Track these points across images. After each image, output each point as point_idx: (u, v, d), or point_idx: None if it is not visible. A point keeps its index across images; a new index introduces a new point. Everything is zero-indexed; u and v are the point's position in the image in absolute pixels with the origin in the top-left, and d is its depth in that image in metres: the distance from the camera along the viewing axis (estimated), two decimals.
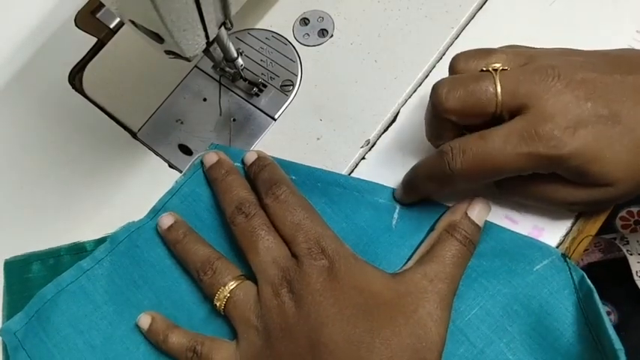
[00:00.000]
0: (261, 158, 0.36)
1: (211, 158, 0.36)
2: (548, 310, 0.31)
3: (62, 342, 0.35)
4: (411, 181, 0.33)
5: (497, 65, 0.30)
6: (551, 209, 0.33)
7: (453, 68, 0.31)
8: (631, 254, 0.60)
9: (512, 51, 0.31)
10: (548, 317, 0.31)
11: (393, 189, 0.35)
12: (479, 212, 0.32)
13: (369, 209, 0.34)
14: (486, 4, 0.39)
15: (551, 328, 0.30)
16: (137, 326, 0.34)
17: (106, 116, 0.41)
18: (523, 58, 0.30)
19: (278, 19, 0.41)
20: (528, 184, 0.31)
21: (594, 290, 0.30)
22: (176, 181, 0.37)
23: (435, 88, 0.30)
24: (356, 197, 0.35)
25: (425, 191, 0.33)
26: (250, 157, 0.36)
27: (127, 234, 0.36)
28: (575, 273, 0.31)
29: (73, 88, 0.42)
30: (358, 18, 0.40)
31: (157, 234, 0.36)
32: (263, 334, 0.30)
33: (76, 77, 0.43)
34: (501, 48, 0.31)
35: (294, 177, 0.36)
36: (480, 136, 0.29)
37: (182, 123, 0.40)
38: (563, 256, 0.31)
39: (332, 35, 0.40)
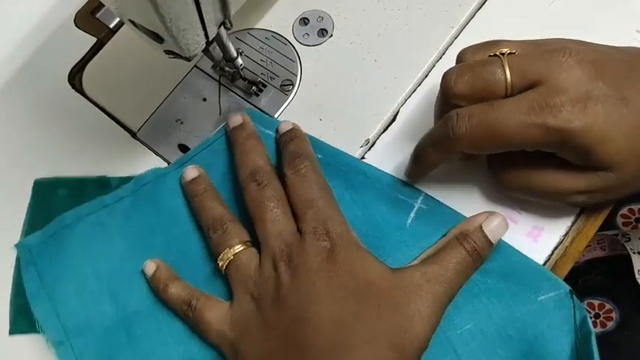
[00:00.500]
0: (294, 130, 0.36)
1: (236, 120, 0.37)
2: (543, 342, 0.30)
3: (71, 266, 0.36)
4: (416, 151, 0.33)
5: (505, 50, 0.30)
6: (550, 209, 0.33)
7: (460, 60, 0.31)
8: (634, 252, 0.60)
9: (520, 40, 0.31)
10: (541, 349, 0.30)
11: (416, 188, 0.35)
12: (495, 228, 0.31)
13: (387, 203, 0.34)
14: (486, 3, 0.39)
15: None
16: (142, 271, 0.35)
17: (106, 116, 0.41)
18: (531, 45, 0.30)
19: (278, 19, 0.41)
20: (529, 173, 0.31)
21: (593, 333, 0.29)
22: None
23: (445, 75, 0.30)
24: (377, 189, 0.35)
25: (429, 160, 0.32)
26: (284, 127, 0.36)
27: (152, 178, 0.37)
28: (578, 311, 0.30)
29: (72, 88, 0.42)
30: (358, 18, 0.40)
31: (180, 184, 0.37)
32: (256, 301, 0.31)
33: (75, 77, 0.43)
34: (509, 40, 0.31)
35: (320, 156, 0.36)
36: (488, 103, 0.29)
37: (182, 123, 0.40)
38: (571, 292, 0.31)
39: (332, 35, 0.40)
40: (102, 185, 0.38)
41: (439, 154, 0.31)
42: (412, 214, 0.34)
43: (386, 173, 0.35)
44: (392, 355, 0.28)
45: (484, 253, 0.31)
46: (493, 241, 0.31)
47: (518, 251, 0.32)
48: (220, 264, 0.33)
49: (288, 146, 0.35)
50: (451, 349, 0.31)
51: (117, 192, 0.37)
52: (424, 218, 0.34)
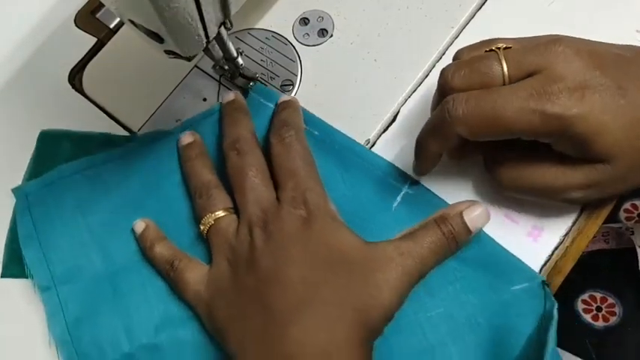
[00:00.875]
0: (289, 101, 0.37)
1: (229, 97, 0.38)
2: (509, 330, 0.31)
3: (65, 216, 0.37)
4: (416, 141, 0.33)
5: (501, 45, 0.30)
6: (551, 209, 0.33)
7: (457, 59, 0.32)
8: (638, 246, 0.59)
9: (515, 38, 0.31)
10: (507, 337, 0.31)
11: (405, 172, 0.35)
12: (475, 217, 0.32)
13: (375, 185, 0.35)
14: (486, 3, 0.39)
15: (506, 348, 0.31)
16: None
17: (106, 116, 0.41)
18: (526, 39, 0.30)
19: (278, 19, 0.41)
20: (526, 171, 0.30)
21: (554, 319, 0.30)
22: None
23: (442, 71, 0.30)
24: (367, 170, 0.35)
25: (429, 150, 0.32)
26: (281, 99, 0.37)
27: (153, 136, 0.38)
28: (548, 302, 0.31)
29: (73, 88, 0.42)
30: (358, 18, 0.40)
31: (174, 146, 0.37)
32: (231, 264, 0.32)
33: (76, 77, 0.43)
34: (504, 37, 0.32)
35: (316, 132, 0.36)
36: (486, 89, 0.29)
37: (182, 123, 0.40)
38: (544, 283, 0.31)
39: (332, 35, 0.40)
40: (106, 142, 0.39)
41: (438, 141, 0.31)
42: (398, 198, 0.34)
43: (378, 156, 0.36)
44: (355, 316, 0.29)
45: (460, 239, 0.31)
46: (472, 229, 0.32)
47: (496, 242, 0.33)
48: (202, 228, 0.34)
49: (278, 115, 0.36)
50: (420, 331, 0.32)
51: (117, 150, 0.38)
52: (410, 203, 0.34)
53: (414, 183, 0.35)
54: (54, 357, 0.35)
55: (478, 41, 0.32)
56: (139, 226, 0.36)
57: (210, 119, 0.38)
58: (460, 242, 0.32)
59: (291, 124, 0.35)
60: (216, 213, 0.34)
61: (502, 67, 0.29)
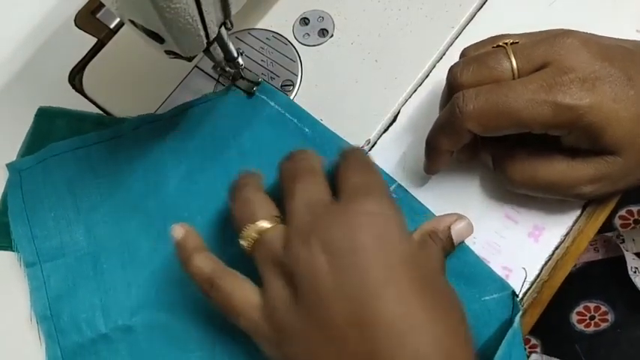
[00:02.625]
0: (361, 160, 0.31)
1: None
2: (476, 339, 0.31)
3: (54, 194, 0.38)
4: (427, 140, 0.32)
5: (508, 40, 0.30)
6: (551, 208, 0.33)
7: (464, 56, 0.32)
8: (627, 250, 0.60)
9: (522, 33, 0.31)
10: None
11: (389, 176, 0.35)
12: (460, 229, 0.32)
13: None
14: (486, 3, 0.39)
15: None
16: (172, 234, 0.31)
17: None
18: (533, 34, 0.30)
19: (278, 19, 0.41)
20: (535, 166, 0.30)
21: (515, 324, 0.30)
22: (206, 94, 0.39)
23: (451, 68, 0.30)
24: None
25: (439, 147, 0.31)
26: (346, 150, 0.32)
27: (144, 118, 0.38)
28: (515, 310, 0.31)
29: (73, 88, 0.42)
30: (358, 18, 0.40)
31: (166, 130, 0.38)
32: (291, 289, 0.26)
33: (76, 77, 0.43)
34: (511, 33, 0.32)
35: (307, 130, 0.36)
36: (496, 84, 0.28)
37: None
38: (513, 293, 0.32)
39: (332, 35, 0.40)
40: (99, 123, 0.40)
41: (448, 138, 0.31)
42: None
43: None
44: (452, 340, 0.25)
45: (446, 252, 0.31)
46: (456, 242, 0.31)
47: (473, 252, 0.33)
48: (244, 245, 0.28)
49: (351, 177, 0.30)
50: None
51: (109, 131, 0.39)
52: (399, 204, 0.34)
53: (399, 187, 0.35)
54: (35, 331, 0.36)
55: (484, 38, 0.32)
56: (178, 232, 0.30)
57: (206, 106, 0.38)
58: (446, 255, 0.31)
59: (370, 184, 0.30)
60: (259, 224, 0.28)
61: (511, 61, 0.29)
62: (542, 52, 0.28)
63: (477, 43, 0.32)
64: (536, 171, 0.30)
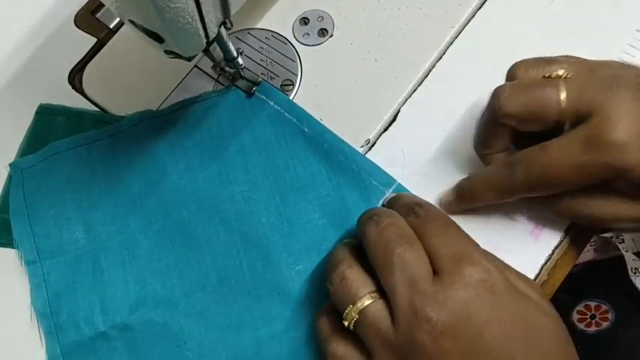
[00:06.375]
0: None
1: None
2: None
3: (54, 192, 0.38)
4: (470, 189, 0.33)
5: (561, 72, 0.29)
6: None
7: (512, 76, 0.31)
8: (626, 251, 0.60)
9: (574, 60, 0.30)
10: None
11: (390, 176, 0.35)
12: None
13: (360, 186, 0.35)
14: (486, 3, 0.39)
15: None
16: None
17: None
18: (585, 67, 0.30)
19: (278, 19, 0.41)
20: (578, 202, 0.30)
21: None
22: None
23: (497, 93, 0.30)
24: (353, 171, 0.35)
25: (483, 200, 0.32)
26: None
27: (143, 115, 0.39)
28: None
29: (73, 88, 0.42)
30: (358, 17, 0.40)
31: (165, 127, 0.38)
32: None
33: (76, 77, 0.43)
34: (561, 57, 0.31)
35: (305, 129, 0.37)
36: (541, 147, 0.28)
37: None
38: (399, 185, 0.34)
39: (332, 35, 0.40)
40: (99, 120, 0.40)
41: (495, 196, 0.31)
42: (381, 201, 0.35)
43: (366, 158, 0.36)
44: None
45: None
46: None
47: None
48: (346, 324, 0.28)
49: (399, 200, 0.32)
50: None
51: (108, 128, 0.39)
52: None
53: (398, 187, 0.35)
54: (35, 329, 0.36)
55: (535, 57, 0.31)
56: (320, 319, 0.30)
57: (205, 103, 0.39)
58: None
59: (419, 201, 0.30)
60: (359, 304, 0.27)
61: (559, 99, 0.28)
62: (591, 98, 0.27)
63: (527, 62, 0.31)
64: (579, 207, 0.30)
